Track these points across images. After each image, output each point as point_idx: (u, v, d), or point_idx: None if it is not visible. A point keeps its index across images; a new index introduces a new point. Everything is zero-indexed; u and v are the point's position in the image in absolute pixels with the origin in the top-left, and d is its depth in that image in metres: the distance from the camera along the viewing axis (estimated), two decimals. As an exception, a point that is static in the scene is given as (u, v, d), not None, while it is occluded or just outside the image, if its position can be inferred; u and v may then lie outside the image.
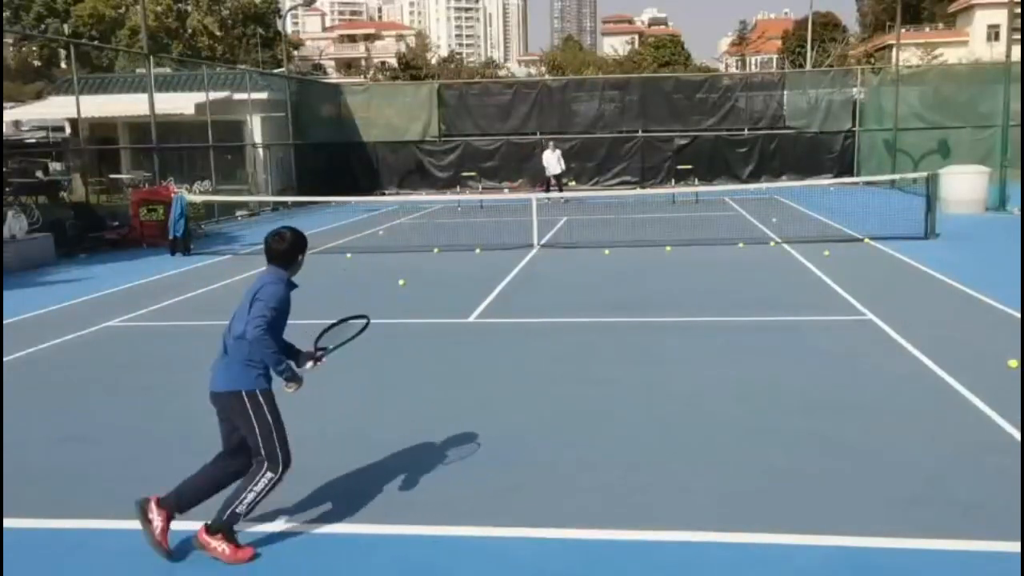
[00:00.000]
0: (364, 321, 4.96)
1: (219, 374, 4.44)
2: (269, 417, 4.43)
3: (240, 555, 4.36)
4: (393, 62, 77.17)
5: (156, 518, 4.38)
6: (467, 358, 8.54)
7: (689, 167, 28.80)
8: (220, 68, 34.29)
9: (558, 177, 26.29)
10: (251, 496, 4.35)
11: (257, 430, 4.38)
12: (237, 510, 4.34)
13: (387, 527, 4.73)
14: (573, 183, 30.32)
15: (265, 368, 4.41)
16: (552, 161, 25.96)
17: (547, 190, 25.87)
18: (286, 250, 4.54)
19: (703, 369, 7.72)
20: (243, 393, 4.38)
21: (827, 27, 70.20)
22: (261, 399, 4.42)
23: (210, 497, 4.50)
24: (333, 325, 4.94)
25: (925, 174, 16.64)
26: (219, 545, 4.35)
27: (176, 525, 4.50)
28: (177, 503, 4.45)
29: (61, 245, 16.38)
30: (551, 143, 26.89)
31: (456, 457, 5.73)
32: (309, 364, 4.72)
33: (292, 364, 4.55)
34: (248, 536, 4.67)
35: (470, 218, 21.89)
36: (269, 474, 4.39)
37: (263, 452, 4.39)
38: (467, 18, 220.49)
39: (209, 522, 4.38)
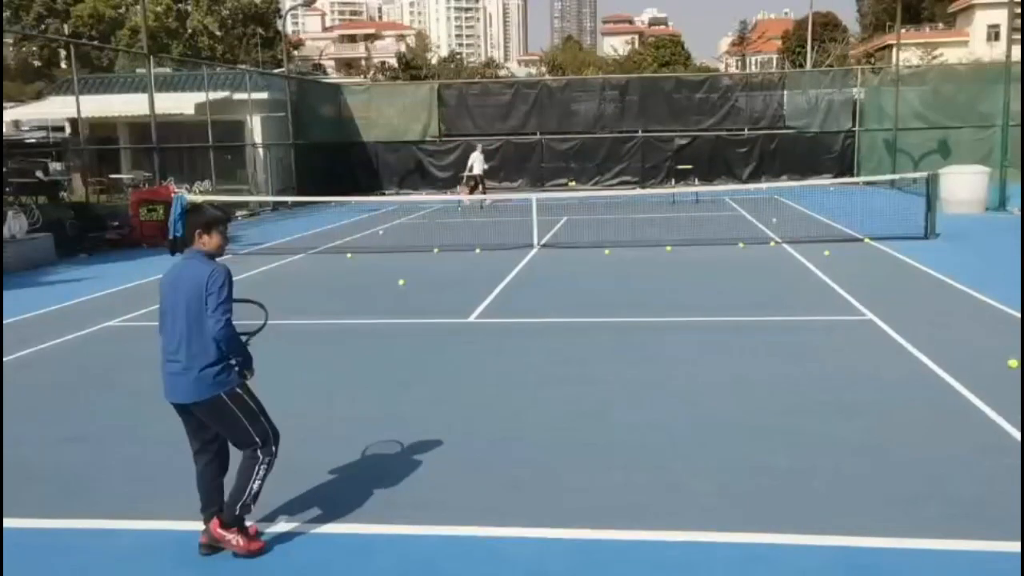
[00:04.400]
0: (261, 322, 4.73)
1: (185, 383, 4.22)
2: (252, 404, 4.39)
3: (253, 546, 4.40)
4: (393, 62, 77.18)
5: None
6: (467, 358, 8.54)
7: (689, 167, 28.81)
8: (220, 68, 34.29)
9: (481, 178, 26.21)
10: (257, 485, 4.36)
11: (246, 422, 4.34)
12: (248, 502, 4.35)
13: (387, 527, 4.73)
14: (573, 183, 30.34)
15: (230, 360, 4.28)
16: (478, 161, 25.97)
17: (472, 192, 25.87)
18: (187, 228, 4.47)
19: (703, 369, 7.72)
20: (223, 396, 4.26)
21: (827, 27, 70.23)
22: (241, 392, 4.36)
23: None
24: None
25: (925, 174, 16.65)
26: (234, 538, 4.35)
27: (177, 525, 4.51)
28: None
29: (61, 245, 16.37)
30: (479, 144, 26.95)
31: (456, 457, 5.73)
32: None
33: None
34: (248, 536, 4.68)
35: (470, 218, 21.89)
36: (267, 457, 4.40)
37: (257, 439, 4.37)
38: (467, 18, 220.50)
39: (222, 517, 4.36)
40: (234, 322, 4.25)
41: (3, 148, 18.51)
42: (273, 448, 4.43)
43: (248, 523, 4.48)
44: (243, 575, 4.30)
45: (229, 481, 4.47)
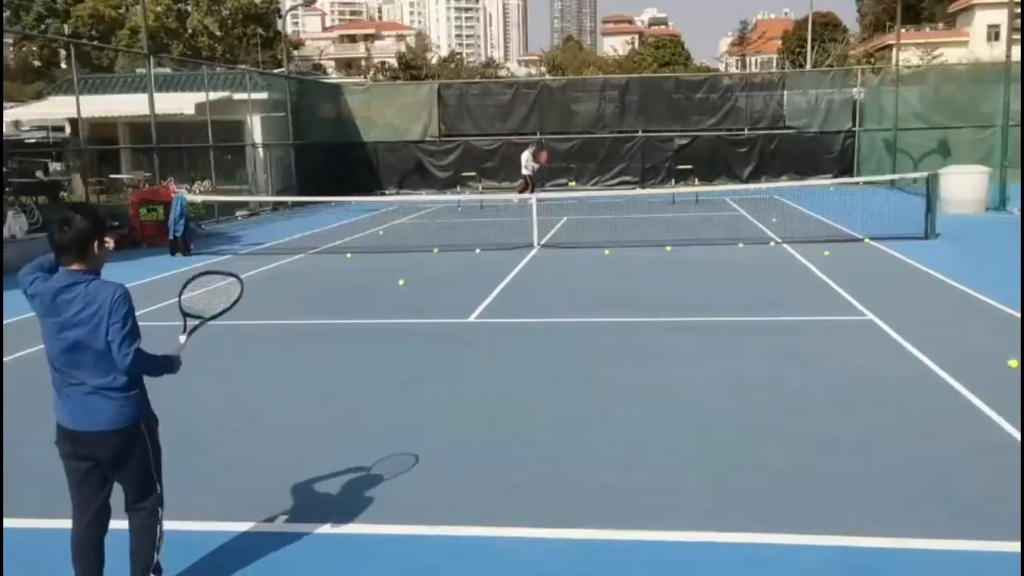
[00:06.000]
0: (237, 288, 4.33)
1: (94, 409, 3.64)
2: (159, 446, 3.90)
3: None
4: (393, 62, 77.15)
5: None
6: (467, 358, 8.54)
7: (689, 167, 28.82)
8: (220, 68, 34.30)
9: (530, 177, 26.20)
10: (160, 544, 3.90)
11: (153, 465, 3.84)
12: (156, 565, 3.94)
13: (387, 527, 4.73)
14: (573, 183, 30.33)
15: (143, 388, 3.79)
16: (527, 161, 25.98)
17: (523, 191, 25.86)
18: (72, 239, 3.60)
19: (703, 369, 7.72)
20: (141, 425, 3.76)
21: (827, 27, 70.22)
22: (154, 425, 3.89)
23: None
24: (195, 279, 4.27)
25: (925, 174, 16.65)
26: None
27: (176, 525, 4.50)
28: None
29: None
30: (531, 145, 26.90)
31: (456, 457, 5.73)
32: (183, 338, 4.06)
33: (173, 357, 3.90)
34: (248, 537, 4.68)
35: (470, 218, 21.89)
36: (161, 511, 3.91)
37: (158, 489, 3.89)
38: (467, 18, 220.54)
39: None
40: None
41: (3, 148, 18.51)
42: (163, 505, 3.95)
43: None
44: None
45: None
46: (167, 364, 3.84)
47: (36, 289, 3.67)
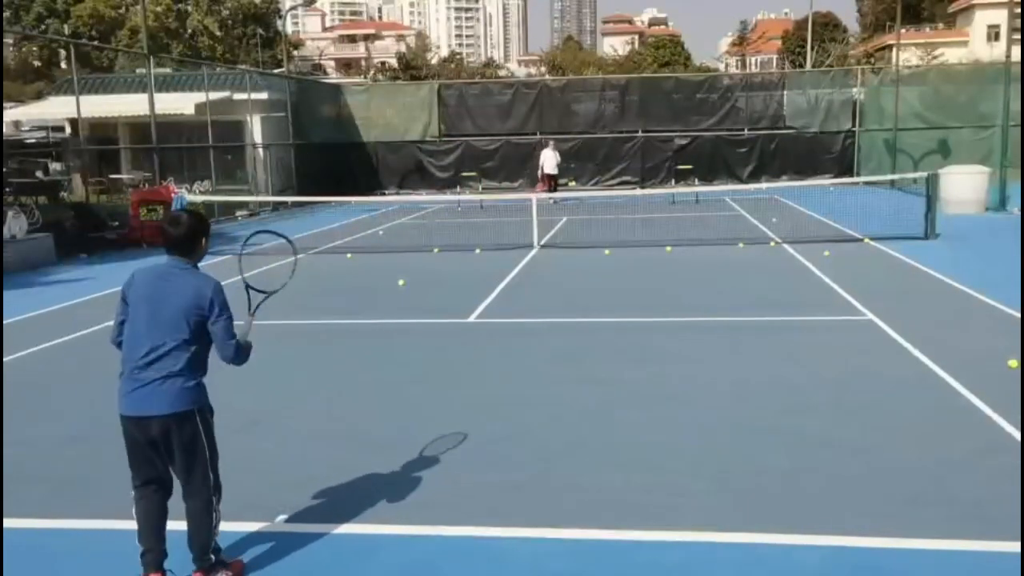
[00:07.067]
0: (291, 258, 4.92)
1: (155, 393, 3.84)
2: (214, 436, 4.09)
3: (239, 567, 4.29)
4: (393, 62, 77.16)
5: None
6: (467, 358, 8.54)
7: (689, 167, 28.81)
8: (220, 68, 34.30)
9: (554, 176, 26.27)
10: (218, 526, 4.16)
11: (208, 453, 4.02)
12: (215, 546, 4.19)
13: (387, 527, 4.73)
14: (573, 183, 30.33)
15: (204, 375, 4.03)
16: (549, 159, 25.99)
17: (550, 189, 25.93)
18: (185, 235, 4.00)
19: (703, 369, 7.72)
20: (195, 412, 3.92)
21: (827, 27, 70.25)
22: (210, 416, 4.06)
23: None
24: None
25: (925, 174, 16.65)
26: (224, 574, 4.20)
27: (177, 525, 4.50)
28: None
29: (61, 245, 16.37)
30: (551, 142, 26.94)
31: (456, 457, 5.73)
32: (249, 318, 4.36)
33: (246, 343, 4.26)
34: (248, 537, 4.68)
35: (470, 218, 21.89)
36: (216, 498, 4.11)
37: (212, 479, 4.07)
38: (467, 18, 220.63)
39: (203, 568, 4.14)
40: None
41: (3, 148, 18.51)
42: (221, 497, 4.15)
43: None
44: None
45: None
46: (247, 351, 4.14)
47: (136, 277, 4.03)
